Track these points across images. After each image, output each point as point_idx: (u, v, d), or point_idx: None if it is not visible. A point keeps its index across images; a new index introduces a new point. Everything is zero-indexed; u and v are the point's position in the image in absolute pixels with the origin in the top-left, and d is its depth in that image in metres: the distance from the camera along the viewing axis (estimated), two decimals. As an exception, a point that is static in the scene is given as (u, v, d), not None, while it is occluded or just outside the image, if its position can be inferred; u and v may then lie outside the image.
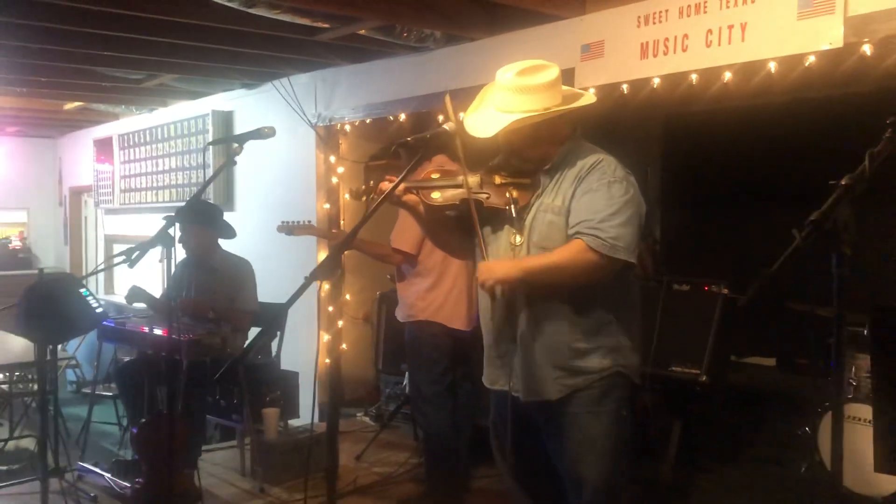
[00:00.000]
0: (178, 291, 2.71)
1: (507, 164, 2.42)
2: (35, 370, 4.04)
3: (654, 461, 4.07)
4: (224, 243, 4.63)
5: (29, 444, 5.31)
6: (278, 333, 4.76)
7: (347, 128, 5.51)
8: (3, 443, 5.81)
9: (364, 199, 2.46)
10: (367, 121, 5.26)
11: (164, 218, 2.62)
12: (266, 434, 4.28)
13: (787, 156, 4.45)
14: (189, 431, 3.69)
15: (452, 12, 4.18)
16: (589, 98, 2.42)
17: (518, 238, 2.35)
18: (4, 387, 5.95)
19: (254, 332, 4.60)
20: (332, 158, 5.58)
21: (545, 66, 2.34)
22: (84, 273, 8.91)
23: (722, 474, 4.26)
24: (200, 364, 3.94)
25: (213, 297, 4.33)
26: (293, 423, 4.66)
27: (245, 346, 4.51)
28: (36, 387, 4.17)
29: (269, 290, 4.84)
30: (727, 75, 3.43)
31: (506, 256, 2.38)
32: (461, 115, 2.45)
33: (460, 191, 2.36)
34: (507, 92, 2.30)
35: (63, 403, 6.18)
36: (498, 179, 2.39)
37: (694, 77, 3.55)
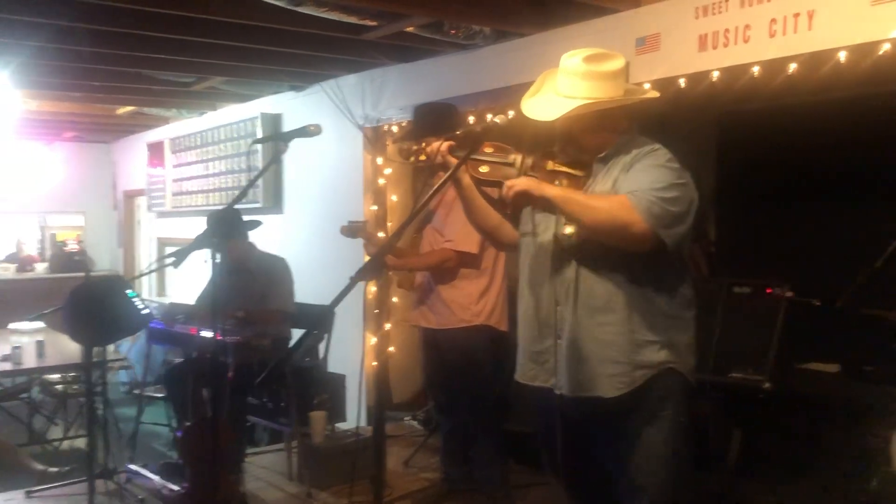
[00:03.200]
0: (212, 296, 2.67)
1: (564, 153, 2.33)
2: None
3: (714, 472, 3.90)
4: (268, 244, 4.59)
5: (83, 444, 5.36)
6: (325, 336, 4.70)
7: (395, 128, 5.44)
8: (57, 443, 5.90)
9: (412, 159, 2.39)
10: (405, 124, 5.19)
11: (196, 238, 2.58)
12: (313, 438, 4.23)
13: (854, 153, 4.22)
14: (234, 436, 3.65)
15: (502, 7, 4.08)
16: (653, 92, 2.37)
17: (569, 228, 2.25)
18: (59, 387, 6.04)
19: (297, 333, 4.57)
20: (380, 160, 5.52)
21: (612, 54, 2.28)
22: (135, 275, 9.03)
23: (786, 487, 4.05)
24: (247, 367, 3.91)
25: (247, 300, 4.28)
26: (340, 426, 4.61)
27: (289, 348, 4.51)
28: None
29: (316, 291, 4.78)
30: (792, 66, 3.26)
31: (553, 247, 2.29)
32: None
33: (510, 169, 2.30)
34: (572, 77, 2.22)
35: (116, 404, 6.26)
36: (551, 165, 2.31)
37: (756, 69, 3.38)
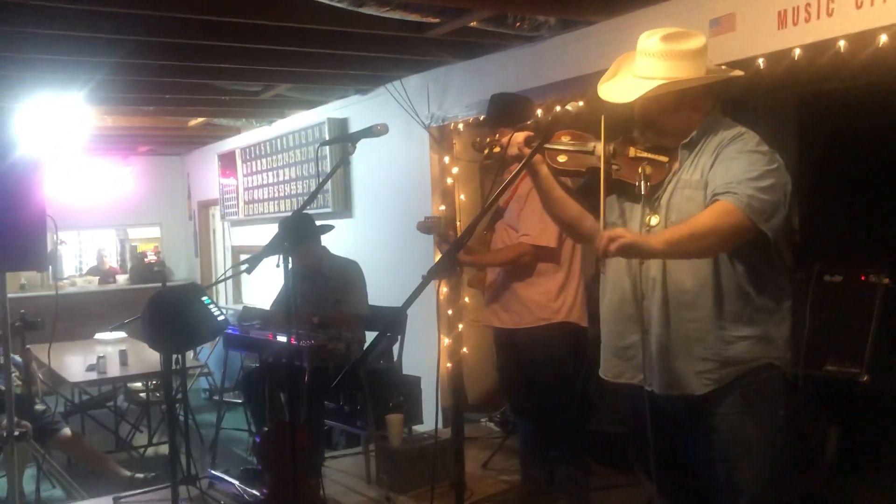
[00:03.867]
0: (287, 301, 2.66)
1: (644, 138, 2.24)
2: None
3: (811, 471, 3.70)
4: (340, 247, 4.59)
5: (167, 450, 5.48)
6: (399, 338, 4.68)
7: (461, 126, 5.38)
8: (142, 449, 6.06)
9: (486, 151, 2.32)
10: (481, 118, 5.11)
11: (267, 244, 2.56)
12: (390, 441, 4.19)
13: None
14: (312, 440, 3.64)
15: (567, -5, 3.97)
16: (737, 71, 2.27)
17: (654, 219, 2.17)
18: (142, 395, 6.20)
19: (371, 335, 4.55)
20: (447, 159, 5.47)
21: (692, 33, 2.19)
22: (211, 283, 9.21)
23: (889, 485, 3.83)
24: (323, 370, 3.91)
25: (321, 304, 4.28)
26: (417, 428, 4.57)
27: (363, 350, 4.49)
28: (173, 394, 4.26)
29: (387, 293, 4.78)
30: (882, 38, 3.05)
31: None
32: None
33: (590, 158, 2.21)
34: (650, 58, 2.15)
35: (197, 411, 6.41)
36: (633, 152, 2.22)
37: (842, 44, 3.19)
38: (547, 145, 2.25)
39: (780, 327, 2.18)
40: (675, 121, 2.21)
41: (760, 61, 3.48)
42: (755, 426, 2.14)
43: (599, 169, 2.15)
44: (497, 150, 2.33)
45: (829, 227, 5.39)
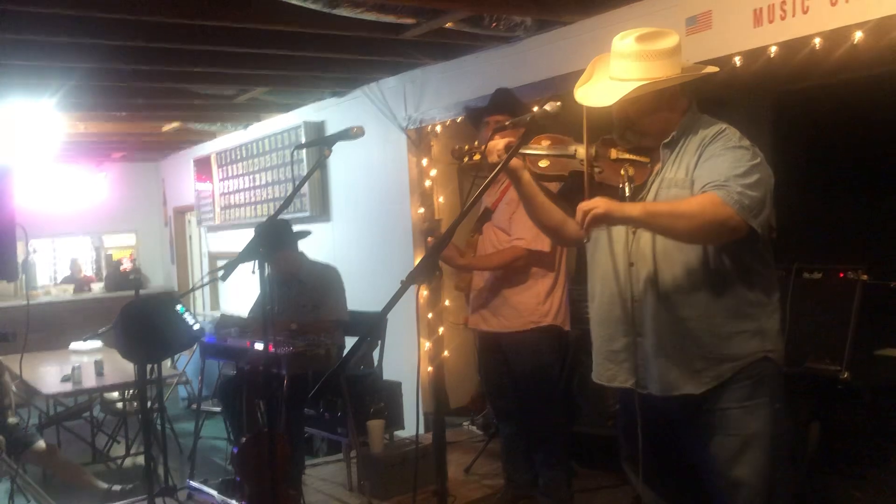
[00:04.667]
0: (264, 307, 2.61)
1: (624, 139, 2.22)
2: (148, 388, 4.03)
3: (792, 466, 3.70)
4: (317, 252, 4.53)
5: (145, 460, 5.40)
6: (379, 342, 4.63)
7: (438, 128, 5.35)
8: (120, 460, 5.96)
9: (466, 159, 2.29)
10: (458, 120, 5.08)
11: (242, 251, 2.51)
12: (372, 447, 4.15)
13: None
14: (291, 449, 3.58)
15: (542, -5, 3.95)
16: (712, 67, 2.24)
17: None
18: (119, 405, 6.10)
19: (350, 341, 4.49)
20: (425, 161, 5.44)
21: (665, 32, 2.18)
22: (187, 290, 9.11)
23: (870, 481, 3.84)
24: (301, 378, 3.85)
25: (299, 310, 4.22)
26: (399, 434, 4.53)
27: (342, 357, 4.43)
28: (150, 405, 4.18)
29: (366, 298, 4.73)
30: (857, 35, 3.06)
31: (624, 242, 2.19)
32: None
33: (571, 161, 2.19)
34: (625, 59, 2.13)
35: (176, 419, 6.32)
36: (614, 154, 2.20)
37: (817, 41, 3.20)
38: (528, 150, 2.22)
39: (772, 319, 2.17)
40: (654, 121, 2.20)
41: (737, 59, 3.48)
42: (753, 420, 2.12)
43: (581, 172, 2.14)
44: (477, 157, 2.29)
45: (807, 224, 5.41)
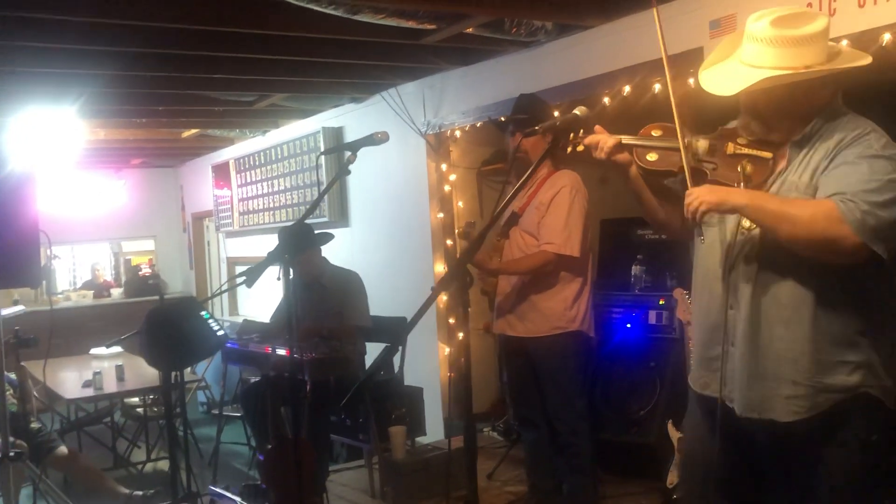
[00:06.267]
0: (287, 314, 2.60)
1: (748, 130, 1.99)
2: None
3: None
4: (337, 257, 4.53)
5: (166, 466, 5.40)
6: (399, 349, 4.62)
7: (458, 133, 5.34)
8: (141, 466, 5.97)
9: (570, 150, 2.14)
10: (478, 125, 5.07)
11: (268, 255, 2.51)
12: (394, 453, 4.14)
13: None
14: (316, 456, 3.58)
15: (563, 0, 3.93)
16: (864, 58, 1.95)
17: (749, 221, 1.92)
18: (140, 410, 6.12)
19: (371, 347, 4.49)
20: (444, 166, 5.43)
21: (809, 14, 1.93)
22: (208, 296, 9.14)
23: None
24: (324, 384, 3.85)
25: (322, 315, 4.21)
26: (420, 440, 4.52)
27: (368, 365, 4.42)
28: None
29: (386, 303, 4.73)
30: (886, 37, 3.03)
31: (731, 243, 1.98)
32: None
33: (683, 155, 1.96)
34: (758, 44, 1.88)
35: (195, 425, 6.32)
36: (731, 148, 1.96)
37: (844, 43, 3.15)
38: (635, 142, 2.04)
39: (883, 354, 1.91)
40: (785, 115, 1.94)
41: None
42: (844, 465, 1.90)
43: (693, 168, 1.94)
44: (580, 149, 2.12)
45: None
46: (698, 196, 1.86)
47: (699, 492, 2.17)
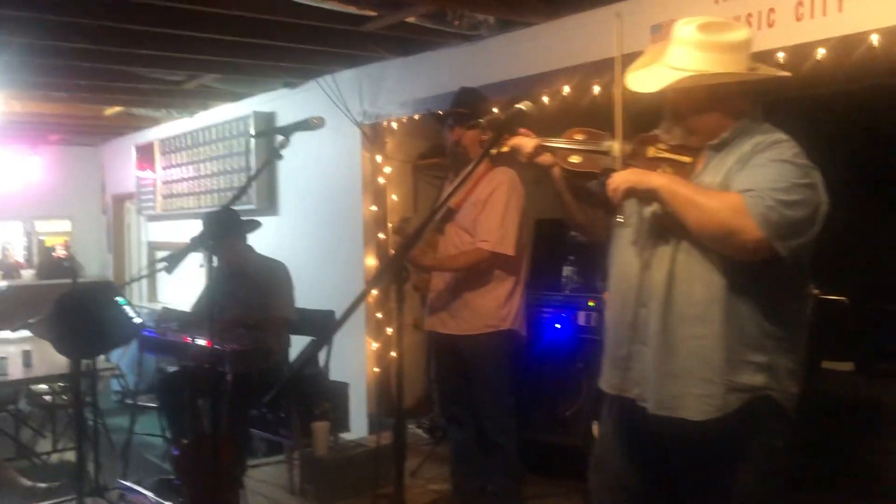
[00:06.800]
0: (209, 303, 2.47)
1: (670, 135, 2.05)
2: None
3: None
4: (264, 247, 4.37)
5: (73, 457, 5.16)
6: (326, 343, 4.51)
7: (394, 125, 5.25)
8: (46, 456, 5.68)
9: (495, 151, 2.14)
10: (416, 117, 5.00)
11: (191, 240, 2.38)
12: (316, 449, 4.03)
13: (887, 145, 4.02)
14: (234, 451, 3.44)
15: (508, -6, 3.90)
16: (783, 71, 2.08)
17: (651, 206, 1.99)
18: (47, 398, 5.83)
19: (295, 340, 4.36)
20: (379, 158, 5.33)
21: (734, 24, 2.01)
22: (126, 281, 8.82)
23: (815, 493, 3.88)
24: (246, 376, 3.72)
25: (246, 306, 4.07)
26: (344, 436, 4.42)
27: (293, 359, 4.30)
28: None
29: (314, 295, 4.60)
30: (820, 52, 3.09)
31: (644, 243, 2.03)
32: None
33: (605, 158, 2.03)
34: (685, 47, 1.96)
35: (107, 415, 6.04)
36: (652, 152, 2.02)
37: (781, 56, 3.21)
38: (558, 145, 2.09)
39: (789, 359, 1.97)
40: (705, 120, 2.00)
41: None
42: (748, 463, 1.94)
43: (613, 170, 2.00)
44: (505, 150, 2.15)
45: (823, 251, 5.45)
46: (621, 175, 1.95)
47: (609, 499, 2.20)
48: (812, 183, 1.88)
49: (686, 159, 2.01)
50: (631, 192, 1.95)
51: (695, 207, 1.87)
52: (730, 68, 1.94)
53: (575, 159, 2.07)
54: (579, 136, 2.11)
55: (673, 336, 1.96)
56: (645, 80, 2.00)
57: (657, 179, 1.93)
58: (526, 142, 2.10)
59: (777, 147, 1.92)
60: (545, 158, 2.12)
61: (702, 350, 1.93)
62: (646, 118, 2.14)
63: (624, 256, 2.10)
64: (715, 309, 1.92)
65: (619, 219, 2.08)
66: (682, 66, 1.95)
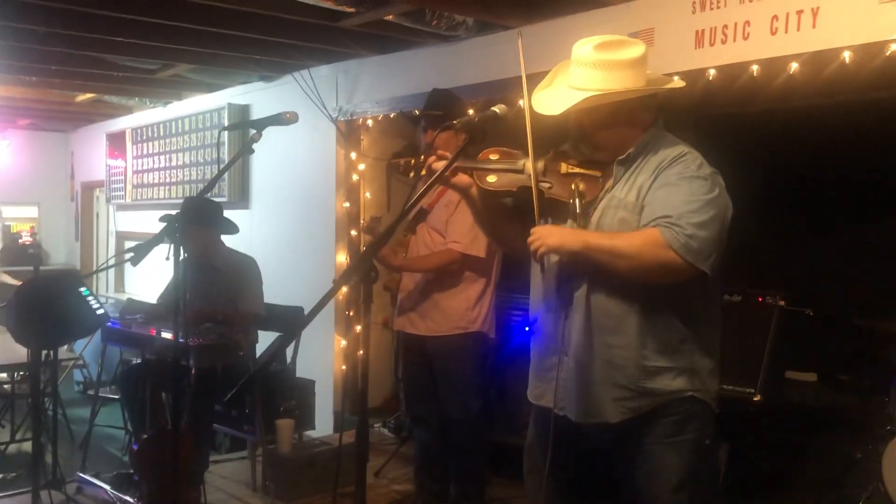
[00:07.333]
0: (176, 295, 2.43)
1: (577, 151, 2.12)
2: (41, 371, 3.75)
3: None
4: (234, 241, 4.32)
5: (31, 448, 5.06)
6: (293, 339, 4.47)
7: (370, 122, 5.23)
8: (2, 447, 5.57)
9: (412, 174, 2.19)
10: (391, 115, 4.98)
11: (161, 218, 2.34)
12: (279, 447, 4.00)
13: (856, 160, 4.08)
14: (195, 448, 3.40)
15: (487, -4, 3.89)
16: (677, 82, 2.14)
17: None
18: (6, 387, 5.72)
19: (263, 335, 4.32)
20: (353, 155, 5.31)
21: (629, 41, 2.08)
22: (93, 270, 8.68)
23: (775, 501, 3.93)
24: (210, 371, 3.67)
25: (214, 300, 4.02)
26: (309, 434, 4.39)
27: (259, 355, 4.25)
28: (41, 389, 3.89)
29: (283, 291, 4.56)
30: (793, 66, 3.12)
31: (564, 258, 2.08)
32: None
33: (520, 176, 2.09)
34: (583, 67, 2.02)
35: (68, 405, 5.96)
36: (564, 168, 2.10)
37: (755, 68, 3.24)
38: (474, 165, 2.13)
39: (708, 359, 2.07)
40: (610, 135, 2.08)
41: (676, 78, 3.49)
42: (677, 457, 2.03)
43: (530, 188, 2.05)
44: (423, 172, 2.19)
45: (730, 247, 5.50)
46: (541, 238, 1.98)
47: (544, 499, 2.24)
48: (719, 191, 1.99)
49: (596, 173, 2.08)
50: (553, 254, 2.01)
51: (619, 257, 1.94)
52: (628, 84, 2.00)
53: (491, 179, 2.12)
54: (494, 156, 2.16)
55: (592, 347, 2.04)
56: (548, 101, 2.07)
57: (575, 243, 1.97)
58: (442, 164, 2.12)
59: (682, 161, 2.01)
60: (462, 179, 2.16)
61: (617, 359, 2.02)
62: (552, 135, 2.20)
63: (546, 269, 2.14)
64: (630, 321, 2.00)
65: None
66: (582, 86, 2.02)
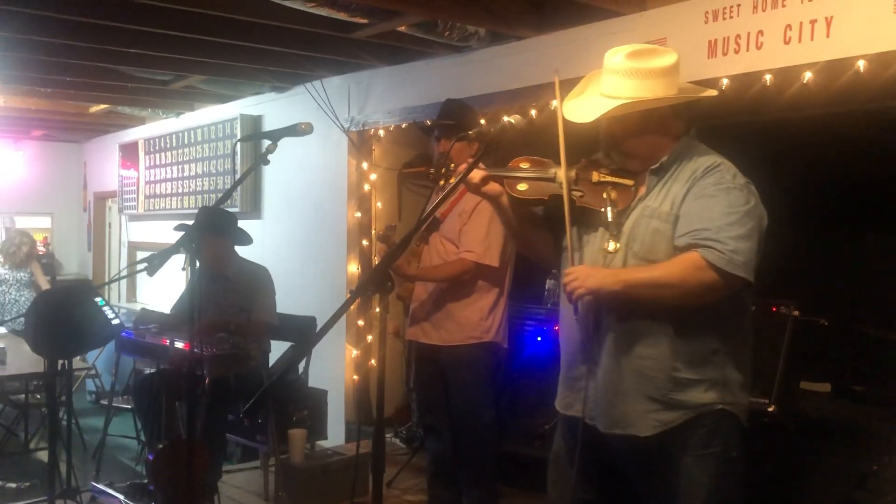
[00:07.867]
0: (190, 305, 2.44)
1: (609, 160, 2.12)
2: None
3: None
4: (246, 251, 4.33)
5: (45, 458, 5.08)
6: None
7: (381, 133, 5.25)
8: (17, 456, 5.60)
9: (442, 182, 2.19)
10: (403, 126, 5.00)
11: (177, 227, 2.35)
12: (292, 456, 4.00)
13: (870, 170, 4.05)
14: (210, 458, 3.40)
15: (499, 7, 3.90)
16: (710, 91, 2.13)
17: (612, 244, 2.03)
18: (21, 396, 5.75)
19: (275, 345, 4.33)
20: (365, 165, 5.32)
21: (661, 50, 2.08)
22: (106, 280, 8.72)
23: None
24: (224, 381, 3.68)
25: (227, 310, 4.03)
26: (321, 444, 4.39)
27: (272, 365, 4.26)
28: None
29: (295, 301, 4.58)
30: (807, 76, 3.12)
31: (596, 265, 2.07)
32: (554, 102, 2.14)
33: (551, 185, 2.07)
34: (614, 76, 2.03)
35: (81, 415, 5.99)
36: (596, 176, 2.08)
37: (768, 78, 3.24)
38: (506, 173, 2.12)
39: (739, 372, 2.05)
40: (640, 143, 2.08)
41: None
42: (704, 470, 2.01)
43: (561, 196, 2.04)
44: (453, 180, 2.18)
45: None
46: (578, 279, 1.96)
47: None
48: (756, 202, 1.98)
49: (629, 182, 2.07)
50: (591, 296, 1.97)
51: (663, 288, 1.93)
52: (660, 92, 2.00)
53: (522, 187, 2.11)
54: (525, 165, 2.15)
55: (623, 357, 2.02)
56: (580, 109, 2.07)
57: (613, 282, 1.94)
58: (474, 173, 2.12)
59: (717, 171, 2.00)
60: (493, 188, 2.15)
61: (649, 370, 2.00)
62: (591, 142, 2.19)
63: None
64: (663, 331, 1.99)
65: (563, 247, 2.12)
66: (613, 94, 2.02)
